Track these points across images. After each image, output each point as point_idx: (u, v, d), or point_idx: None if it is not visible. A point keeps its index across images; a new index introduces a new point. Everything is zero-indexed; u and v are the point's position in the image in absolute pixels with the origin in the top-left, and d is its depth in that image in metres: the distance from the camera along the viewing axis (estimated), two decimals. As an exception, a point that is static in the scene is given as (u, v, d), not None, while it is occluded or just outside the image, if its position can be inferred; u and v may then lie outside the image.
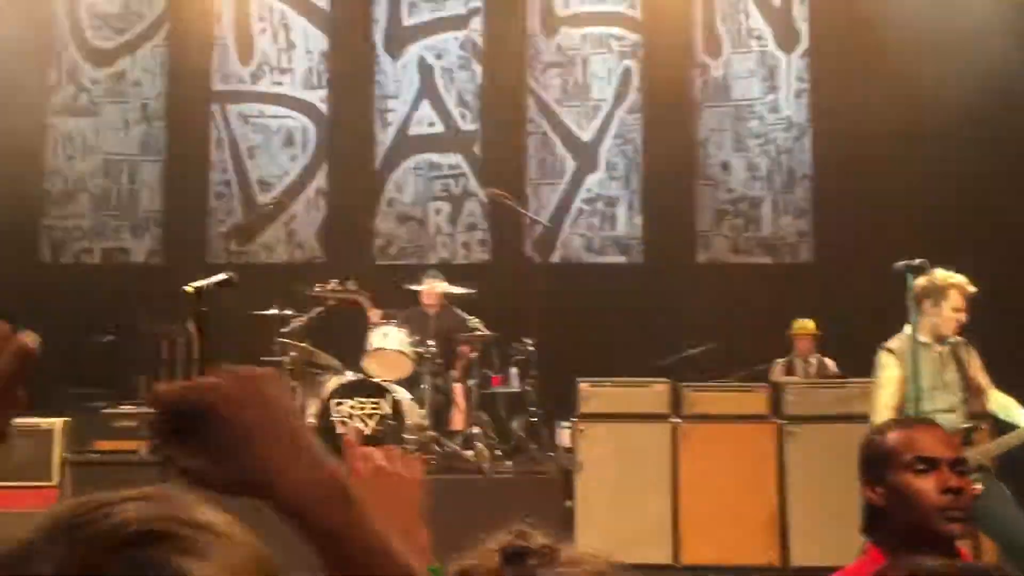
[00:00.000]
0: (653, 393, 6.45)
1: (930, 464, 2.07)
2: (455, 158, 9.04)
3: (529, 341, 7.13)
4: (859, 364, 5.37)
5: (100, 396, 6.96)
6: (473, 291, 7.13)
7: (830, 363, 7.39)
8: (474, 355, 6.93)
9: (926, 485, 2.05)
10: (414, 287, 7.31)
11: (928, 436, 2.13)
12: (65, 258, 8.77)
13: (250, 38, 9.03)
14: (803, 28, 9.06)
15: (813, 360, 7.48)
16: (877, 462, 2.14)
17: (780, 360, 7.60)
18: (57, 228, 8.81)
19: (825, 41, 8.85)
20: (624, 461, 6.28)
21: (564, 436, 6.85)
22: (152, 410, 0.83)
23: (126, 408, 6.71)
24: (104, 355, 7.60)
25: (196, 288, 3.39)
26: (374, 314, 6.97)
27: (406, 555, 0.85)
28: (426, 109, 9.07)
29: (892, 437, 2.16)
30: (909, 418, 3.63)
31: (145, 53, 8.95)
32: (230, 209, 8.87)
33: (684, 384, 6.55)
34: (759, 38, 9.09)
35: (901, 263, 4.28)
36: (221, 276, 3.57)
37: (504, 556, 1.32)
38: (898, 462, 2.10)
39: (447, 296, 7.20)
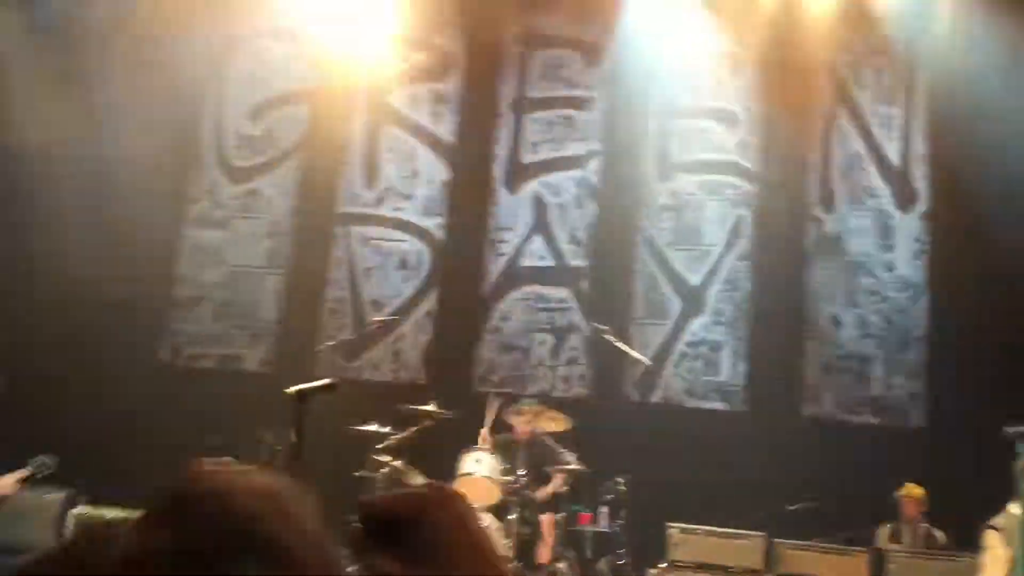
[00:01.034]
0: (747, 546, 6.23)
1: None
2: (563, 292, 9.18)
3: (622, 480, 7.02)
4: (970, 537, 5.08)
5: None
6: (568, 422, 7.11)
7: (939, 534, 7.00)
8: (564, 489, 6.85)
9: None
10: (509, 416, 7.36)
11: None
12: (182, 361, 9.17)
13: (377, 165, 9.53)
14: (922, 188, 9.00)
15: (921, 528, 7.09)
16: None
17: (887, 524, 7.24)
18: (179, 332, 9.25)
19: (945, 202, 8.75)
20: (712, 616, 6.02)
21: (651, 583, 6.62)
22: (358, 519, 0.91)
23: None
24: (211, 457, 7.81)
25: (298, 391, 3.51)
26: (483, 437, 7.04)
27: None
28: (538, 243, 9.30)
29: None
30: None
31: (279, 173, 9.53)
32: (341, 325, 9.17)
33: (780, 540, 6.31)
34: (876, 196, 9.07)
35: (1011, 429, 4.10)
36: (324, 381, 3.70)
37: None
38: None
39: (541, 427, 7.19)
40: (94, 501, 7.03)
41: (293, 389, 3.53)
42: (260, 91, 9.64)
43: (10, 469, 6.03)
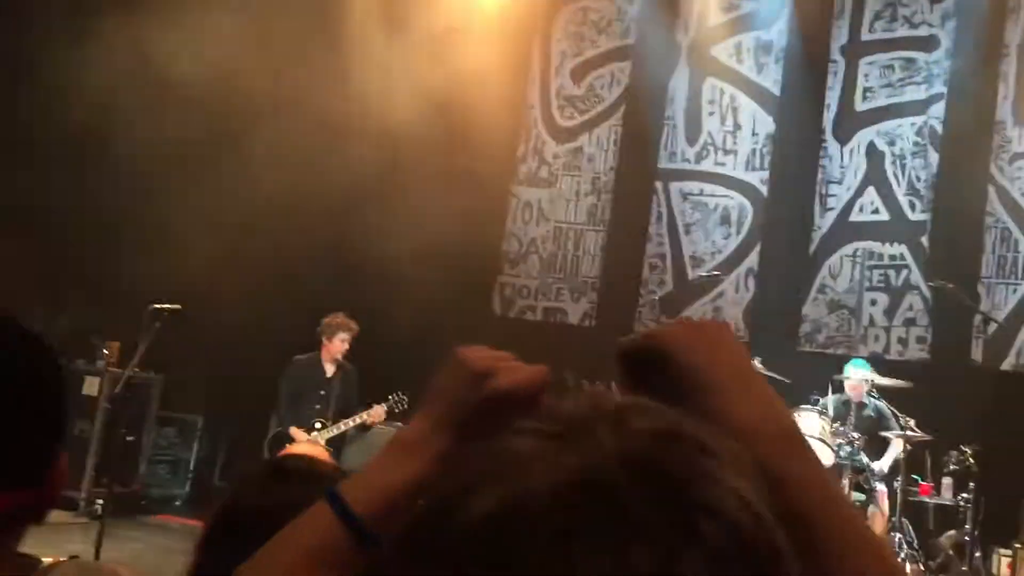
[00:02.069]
0: (1123, 533, 5.50)
1: None
2: (899, 248, 8.55)
3: (969, 451, 6.46)
4: None
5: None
6: (906, 385, 6.65)
7: None
8: (902, 456, 6.43)
9: None
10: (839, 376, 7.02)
11: None
12: (512, 312, 9.64)
13: (699, 119, 9.38)
14: None
15: None
16: None
17: None
18: (508, 285, 9.74)
19: None
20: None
21: (1002, 564, 6.07)
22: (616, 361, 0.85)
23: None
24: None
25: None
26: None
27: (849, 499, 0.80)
28: (871, 196, 8.72)
29: None
30: None
31: (601, 131, 9.67)
32: (661, 281, 9.18)
33: None
34: None
35: None
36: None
37: None
38: None
39: (878, 389, 6.78)
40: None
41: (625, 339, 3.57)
42: (583, 50, 9.81)
43: (371, 404, 6.71)
